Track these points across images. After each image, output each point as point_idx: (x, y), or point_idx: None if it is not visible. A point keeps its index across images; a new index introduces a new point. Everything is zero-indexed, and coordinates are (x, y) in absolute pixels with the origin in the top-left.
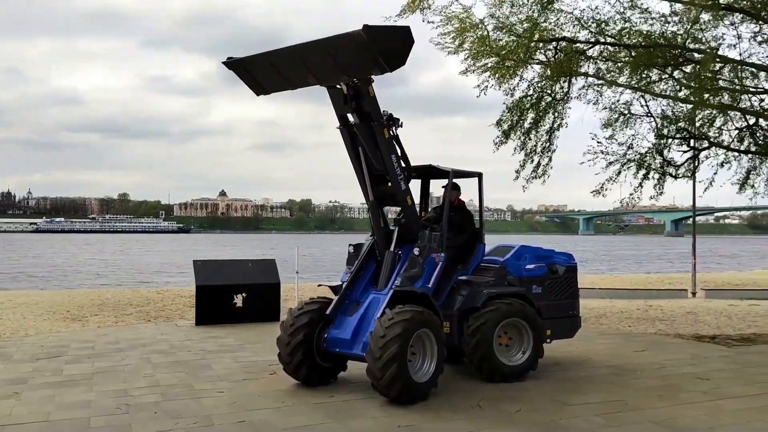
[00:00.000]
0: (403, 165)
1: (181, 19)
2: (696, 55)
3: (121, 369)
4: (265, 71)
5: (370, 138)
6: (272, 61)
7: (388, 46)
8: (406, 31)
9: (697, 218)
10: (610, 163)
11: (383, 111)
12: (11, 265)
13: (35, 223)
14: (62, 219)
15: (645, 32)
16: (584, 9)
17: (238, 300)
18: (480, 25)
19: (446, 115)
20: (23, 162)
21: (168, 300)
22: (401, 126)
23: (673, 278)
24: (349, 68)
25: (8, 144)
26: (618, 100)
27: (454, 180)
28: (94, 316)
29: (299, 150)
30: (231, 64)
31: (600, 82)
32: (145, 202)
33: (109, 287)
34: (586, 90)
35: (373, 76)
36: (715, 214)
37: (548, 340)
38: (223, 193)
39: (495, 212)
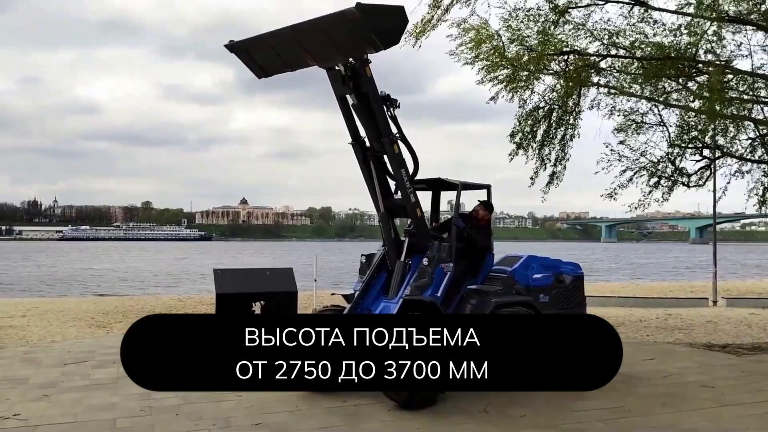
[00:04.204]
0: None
1: (197, 28)
2: (708, 67)
3: None
4: (265, 53)
5: (367, 116)
6: (271, 42)
7: (382, 24)
8: (400, 10)
9: (724, 225)
10: (624, 171)
11: (381, 92)
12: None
13: (61, 231)
14: (87, 227)
15: (657, 44)
16: (597, 21)
17: (257, 308)
18: (496, 37)
19: (462, 122)
20: (45, 170)
21: (190, 307)
22: (398, 107)
23: (695, 286)
24: (344, 46)
25: (30, 153)
26: (632, 108)
27: (488, 200)
28: (119, 323)
29: (317, 157)
30: (233, 47)
31: (613, 93)
32: (167, 210)
33: (132, 295)
34: (598, 102)
35: (369, 56)
36: (741, 221)
37: None
38: (244, 201)
39: (516, 219)
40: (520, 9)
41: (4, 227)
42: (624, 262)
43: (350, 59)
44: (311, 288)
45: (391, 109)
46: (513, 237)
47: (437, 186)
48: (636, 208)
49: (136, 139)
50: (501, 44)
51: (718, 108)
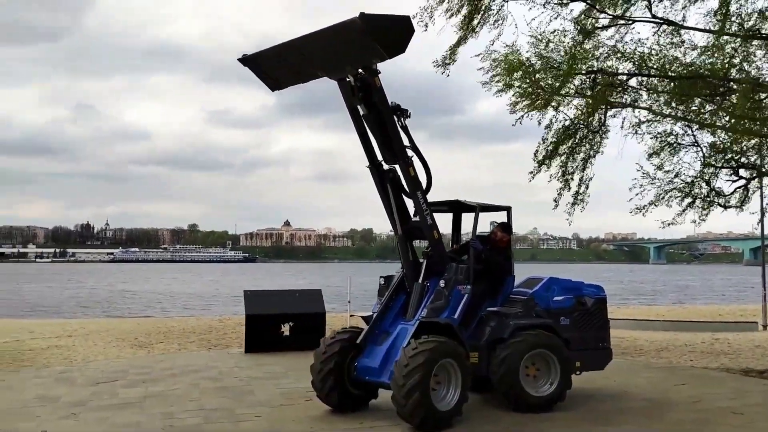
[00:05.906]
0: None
1: (239, 53)
2: (740, 84)
3: (170, 393)
4: (277, 66)
5: (378, 127)
6: (281, 54)
7: (386, 33)
8: (405, 20)
9: None
10: (659, 196)
11: (391, 102)
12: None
13: (112, 254)
14: (137, 249)
15: (688, 63)
16: (627, 42)
17: (286, 329)
18: (527, 63)
19: (503, 142)
20: (97, 194)
21: (229, 328)
22: (409, 116)
23: (746, 310)
24: (350, 56)
25: (84, 178)
26: (665, 130)
27: (507, 222)
28: (160, 343)
29: (357, 179)
30: (245, 60)
31: (645, 115)
32: (213, 233)
33: (174, 316)
34: (622, 120)
35: (377, 67)
36: None
37: (577, 372)
38: (287, 223)
39: (560, 241)
40: (545, 33)
41: (57, 250)
42: (672, 284)
43: (359, 70)
44: (345, 309)
45: (402, 119)
46: (557, 259)
47: (457, 208)
48: (669, 224)
49: (183, 163)
50: (532, 70)
51: (748, 125)
